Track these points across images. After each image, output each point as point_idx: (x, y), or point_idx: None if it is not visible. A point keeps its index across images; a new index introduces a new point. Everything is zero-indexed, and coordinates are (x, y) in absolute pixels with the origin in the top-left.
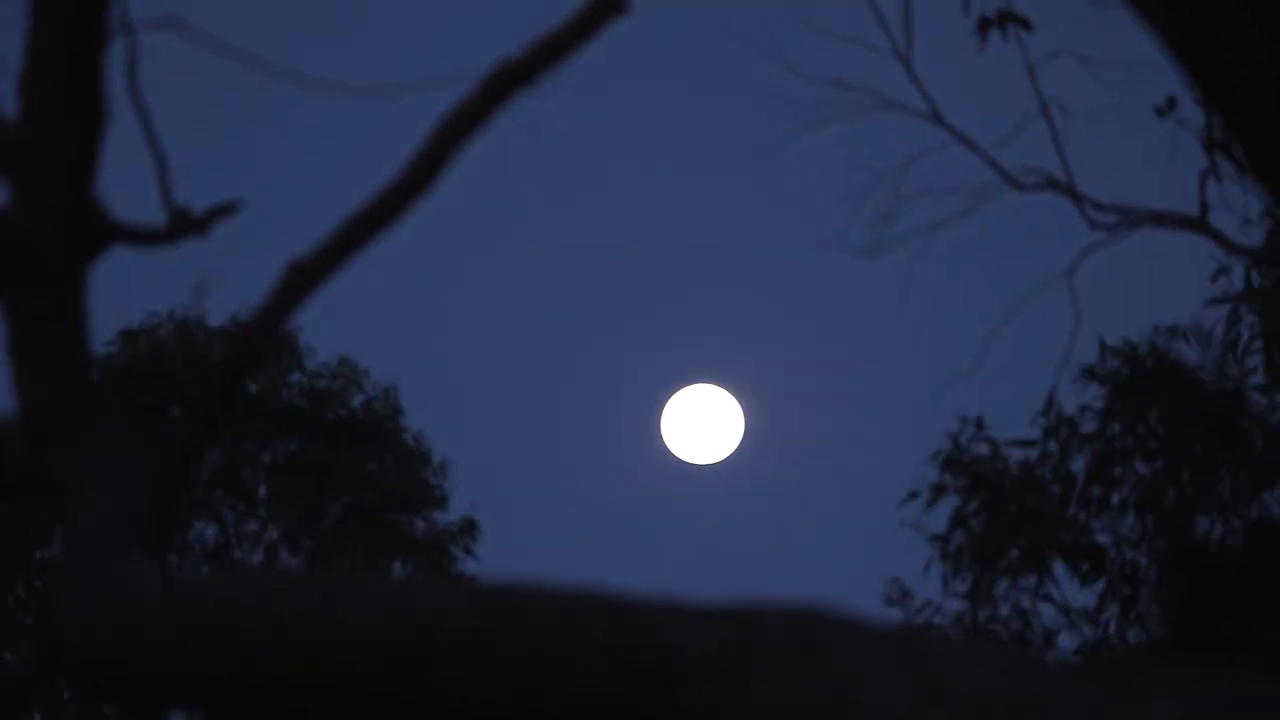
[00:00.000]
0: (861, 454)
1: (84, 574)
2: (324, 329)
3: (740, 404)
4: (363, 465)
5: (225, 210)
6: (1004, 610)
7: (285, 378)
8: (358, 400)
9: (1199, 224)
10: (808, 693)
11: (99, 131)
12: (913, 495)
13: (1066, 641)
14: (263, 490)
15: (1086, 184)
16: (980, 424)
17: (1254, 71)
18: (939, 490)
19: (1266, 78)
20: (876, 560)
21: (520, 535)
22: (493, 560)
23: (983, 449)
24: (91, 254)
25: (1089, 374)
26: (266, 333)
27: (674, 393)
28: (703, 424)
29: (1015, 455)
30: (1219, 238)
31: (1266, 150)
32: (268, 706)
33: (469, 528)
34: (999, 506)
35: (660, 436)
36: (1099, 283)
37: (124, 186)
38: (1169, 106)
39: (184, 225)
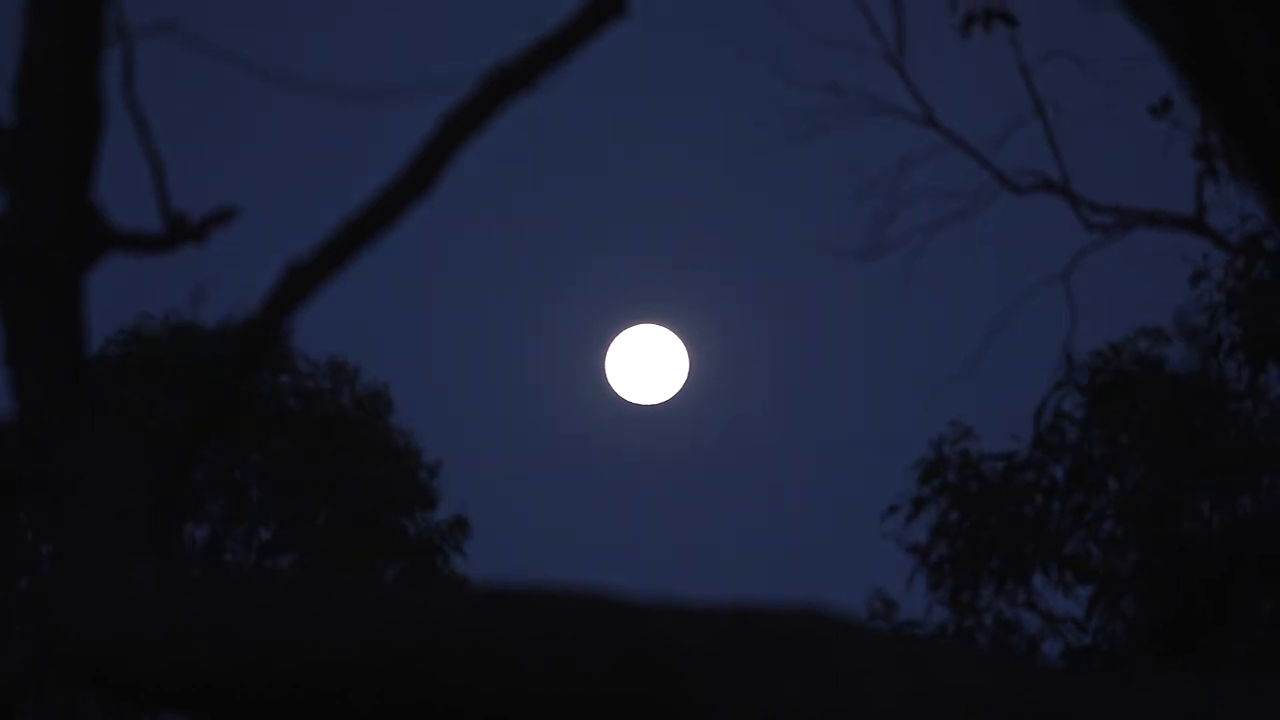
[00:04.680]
0: (804, 395)
1: (81, 574)
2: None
3: (684, 344)
4: (353, 465)
5: (222, 217)
6: (987, 620)
7: (276, 378)
8: (347, 399)
9: (1196, 224)
10: (806, 694)
11: (96, 137)
12: (894, 509)
13: (1050, 648)
14: (254, 491)
15: (1082, 184)
16: (969, 432)
17: (1265, 74)
18: (920, 504)
19: (1276, 79)
20: (815, 495)
21: (466, 475)
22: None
23: (967, 450)
24: (89, 259)
25: (1063, 383)
26: (266, 334)
27: (618, 333)
28: (647, 364)
29: (995, 465)
30: (1216, 237)
31: (1273, 154)
32: (264, 707)
33: (460, 526)
34: (980, 518)
35: (605, 377)
36: (1097, 282)
37: (121, 192)
38: (1164, 106)
39: (181, 232)
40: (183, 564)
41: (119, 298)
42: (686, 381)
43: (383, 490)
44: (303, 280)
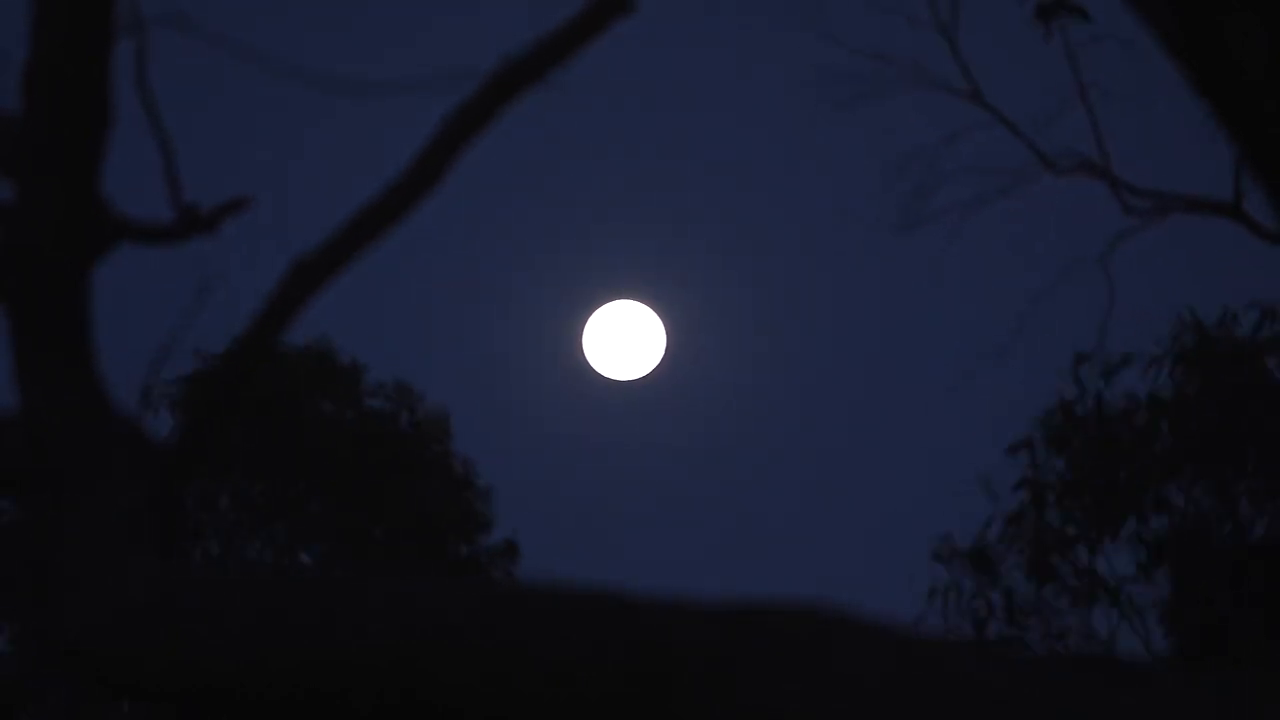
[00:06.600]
0: (783, 371)
1: (84, 572)
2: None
3: (662, 320)
4: (411, 487)
5: (234, 207)
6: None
7: (341, 398)
8: (407, 422)
9: (1233, 210)
10: (808, 693)
11: (105, 129)
12: (1016, 449)
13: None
14: (317, 506)
15: (1124, 168)
16: (1126, 359)
17: (1265, 74)
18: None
19: (1276, 78)
20: (796, 472)
21: None
22: None
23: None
24: (97, 253)
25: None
26: (271, 332)
27: (595, 309)
28: (624, 340)
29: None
30: (1252, 224)
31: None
32: (264, 707)
33: (510, 550)
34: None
35: (582, 352)
36: (1133, 267)
37: (130, 184)
38: None
39: (192, 222)
40: (183, 563)
41: (124, 290)
42: (664, 357)
43: (438, 512)
44: (309, 277)
